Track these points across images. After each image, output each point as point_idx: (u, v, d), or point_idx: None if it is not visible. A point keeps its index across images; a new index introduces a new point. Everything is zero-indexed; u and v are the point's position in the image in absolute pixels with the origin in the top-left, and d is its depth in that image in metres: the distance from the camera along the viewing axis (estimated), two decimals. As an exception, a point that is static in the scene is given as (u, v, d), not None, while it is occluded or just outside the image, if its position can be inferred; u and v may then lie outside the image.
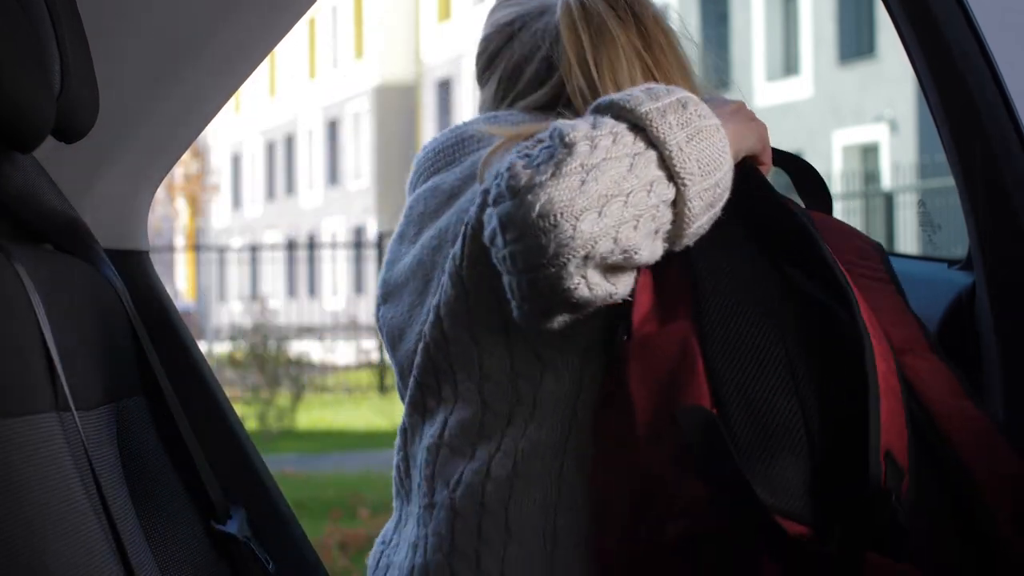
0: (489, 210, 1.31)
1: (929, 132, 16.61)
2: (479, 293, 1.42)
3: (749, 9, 21.27)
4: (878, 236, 15.57)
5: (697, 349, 1.36)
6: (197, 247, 27.94)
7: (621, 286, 1.33)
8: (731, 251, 1.43)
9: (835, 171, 18.63)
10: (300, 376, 13.12)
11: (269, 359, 12.71)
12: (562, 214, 1.25)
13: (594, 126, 1.30)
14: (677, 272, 1.41)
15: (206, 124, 1.77)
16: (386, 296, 1.58)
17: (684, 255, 1.40)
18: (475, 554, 1.44)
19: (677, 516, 1.35)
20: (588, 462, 1.44)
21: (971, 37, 1.45)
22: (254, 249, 24.24)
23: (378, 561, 1.57)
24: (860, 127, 19.50)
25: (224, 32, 1.63)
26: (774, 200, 1.46)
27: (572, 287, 1.30)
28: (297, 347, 14.86)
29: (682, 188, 1.32)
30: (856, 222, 15.74)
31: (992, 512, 1.39)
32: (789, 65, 20.96)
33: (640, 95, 1.33)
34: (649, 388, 1.36)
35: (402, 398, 1.58)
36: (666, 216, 1.32)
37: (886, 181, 18.05)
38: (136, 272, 1.67)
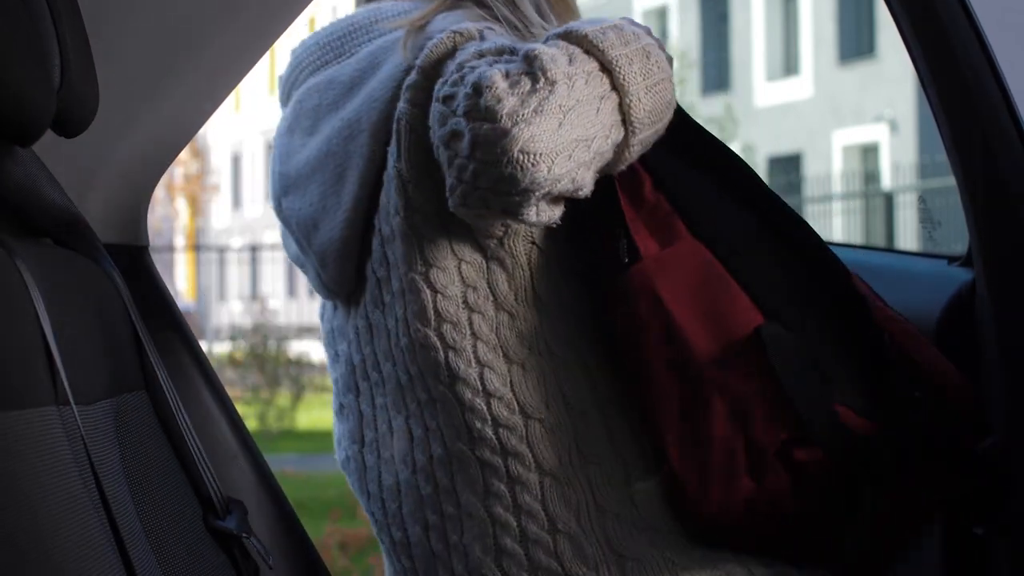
0: (457, 119, 1.35)
1: (929, 132, 16.62)
2: (417, 184, 1.47)
3: (749, 9, 21.28)
4: (878, 236, 15.60)
5: (720, 265, 1.47)
6: (197, 247, 27.94)
7: (558, 212, 1.42)
8: (678, 168, 1.54)
9: (835, 171, 18.65)
10: (300, 376, 13.12)
11: (269, 359, 12.70)
12: (541, 155, 1.32)
13: (570, 61, 1.36)
14: (649, 186, 1.51)
15: (205, 120, 1.78)
16: (287, 188, 1.62)
17: (644, 167, 1.50)
18: (495, 437, 1.48)
19: (779, 432, 1.43)
20: (583, 356, 1.51)
21: (972, 36, 1.45)
22: (254, 249, 24.24)
23: (362, 460, 1.60)
24: (860, 127, 19.51)
25: (223, 29, 1.63)
26: (694, 124, 1.56)
27: (524, 214, 1.38)
28: (297, 347, 14.84)
29: (630, 135, 1.40)
30: (856, 222, 15.75)
31: (953, 410, 1.50)
32: (789, 65, 20.97)
33: (612, 36, 1.39)
34: (693, 312, 1.45)
35: (322, 288, 1.62)
36: (610, 156, 1.41)
37: (886, 181, 18.06)
38: (136, 267, 1.68)
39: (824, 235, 1.56)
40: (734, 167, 1.54)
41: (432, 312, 1.48)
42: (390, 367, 1.54)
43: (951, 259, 1.81)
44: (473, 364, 1.48)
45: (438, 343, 1.48)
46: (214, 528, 1.46)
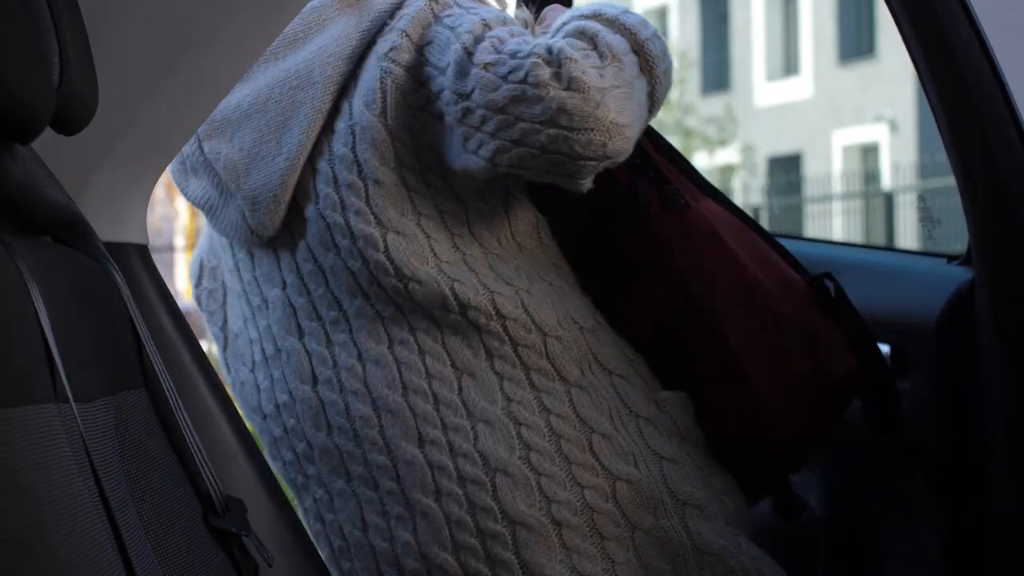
0: (518, 86, 1.40)
1: (929, 132, 16.62)
2: (402, 140, 1.53)
3: (749, 9, 21.27)
4: (878, 236, 15.59)
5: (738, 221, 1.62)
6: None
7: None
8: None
9: (835, 171, 18.64)
10: (300, 375, 13.10)
11: (269, 358, 12.70)
12: (626, 125, 1.39)
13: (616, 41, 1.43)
14: (651, 146, 1.61)
15: (204, 119, 1.77)
16: (211, 132, 1.67)
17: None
18: (515, 355, 1.53)
19: (850, 363, 1.59)
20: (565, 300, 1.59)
21: (972, 36, 1.46)
22: (254, 249, 24.22)
23: (318, 398, 1.63)
24: (860, 127, 19.50)
25: (223, 27, 1.63)
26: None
27: (585, 180, 1.44)
28: (297, 346, 14.82)
29: (648, 113, 1.49)
30: (856, 222, 15.74)
31: None
32: (789, 65, 20.96)
33: (635, 20, 1.46)
34: (750, 257, 1.57)
35: (245, 231, 1.64)
36: None
37: (886, 181, 18.05)
38: (135, 266, 1.68)
39: (824, 235, 1.64)
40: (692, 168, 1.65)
41: (429, 252, 1.53)
42: (360, 303, 1.56)
43: (951, 258, 1.81)
44: (482, 292, 1.52)
45: (440, 278, 1.52)
46: (213, 526, 1.46)
